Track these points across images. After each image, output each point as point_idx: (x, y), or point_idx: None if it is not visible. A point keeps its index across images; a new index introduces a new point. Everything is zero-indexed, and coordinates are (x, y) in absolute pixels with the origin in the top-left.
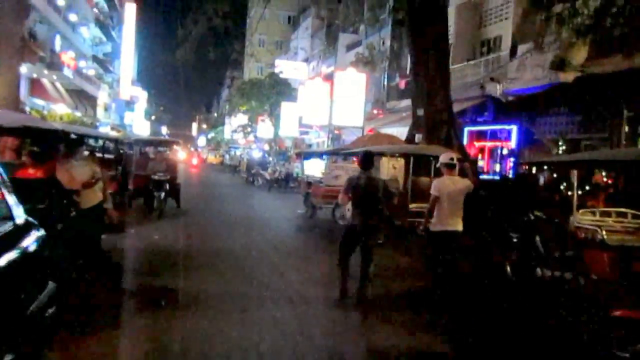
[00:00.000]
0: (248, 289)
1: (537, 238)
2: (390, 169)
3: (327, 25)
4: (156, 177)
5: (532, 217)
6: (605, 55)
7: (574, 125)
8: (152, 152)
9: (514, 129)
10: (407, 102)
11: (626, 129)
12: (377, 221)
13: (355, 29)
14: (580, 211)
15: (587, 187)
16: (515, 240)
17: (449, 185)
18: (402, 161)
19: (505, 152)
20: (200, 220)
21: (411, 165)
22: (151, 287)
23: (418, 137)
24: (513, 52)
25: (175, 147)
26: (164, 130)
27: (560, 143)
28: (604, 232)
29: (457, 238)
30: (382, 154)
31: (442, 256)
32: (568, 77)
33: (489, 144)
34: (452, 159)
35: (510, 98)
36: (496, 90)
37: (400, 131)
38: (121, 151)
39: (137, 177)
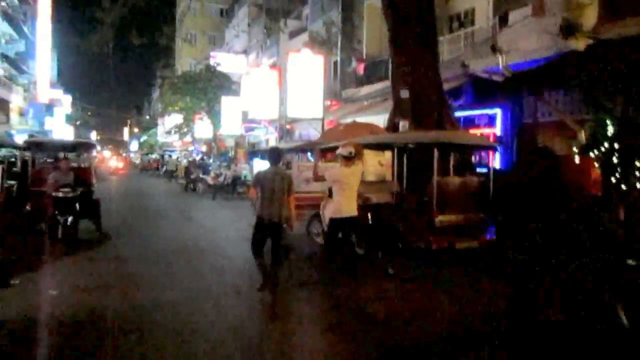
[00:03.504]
0: None
1: None
2: (376, 166)
3: (265, 11)
4: (60, 195)
5: None
6: (618, 18)
7: (576, 103)
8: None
9: (498, 113)
10: (368, 89)
11: None
12: (284, 212)
13: (298, 13)
14: None
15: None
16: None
17: (348, 176)
18: (389, 155)
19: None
20: (126, 252)
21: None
22: None
23: (403, 124)
24: (503, 19)
25: (92, 151)
26: (94, 135)
27: (608, 122)
28: None
29: (354, 223)
30: (373, 146)
31: (340, 240)
32: (579, 44)
33: None
34: (350, 152)
35: (504, 74)
36: (497, 62)
37: (367, 121)
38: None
39: (34, 196)
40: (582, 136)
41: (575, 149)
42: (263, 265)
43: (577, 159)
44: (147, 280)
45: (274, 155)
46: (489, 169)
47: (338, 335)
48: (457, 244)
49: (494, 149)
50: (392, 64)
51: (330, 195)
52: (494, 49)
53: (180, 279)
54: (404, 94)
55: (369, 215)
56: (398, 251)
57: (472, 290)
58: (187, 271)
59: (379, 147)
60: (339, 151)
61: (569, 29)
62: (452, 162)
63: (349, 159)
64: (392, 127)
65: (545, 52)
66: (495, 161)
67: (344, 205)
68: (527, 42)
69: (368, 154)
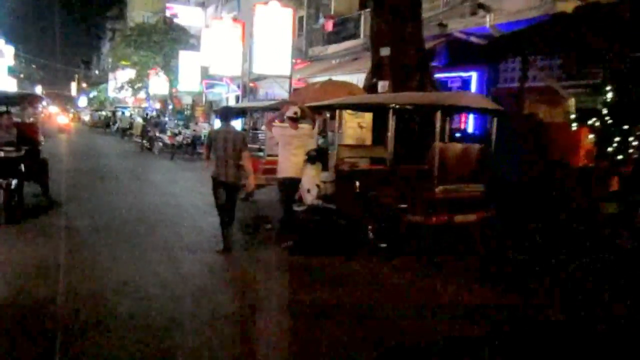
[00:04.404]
0: None
1: None
2: (355, 129)
3: None
4: (2, 154)
5: None
6: None
7: (564, 68)
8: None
9: (473, 76)
10: (336, 48)
11: None
12: (239, 171)
13: None
14: None
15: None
16: None
17: (292, 136)
18: (369, 118)
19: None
20: (78, 222)
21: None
22: None
23: (382, 85)
24: None
25: (39, 105)
26: (39, 90)
27: (609, 88)
28: None
29: (295, 184)
30: (351, 107)
31: (289, 200)
32: (568, 5)
33: None
34: (295, 112)
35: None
36: (479, 22)
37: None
38: None
39: None
40: (572, 103)
41: (571, 117)
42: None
43: (571, 127)
44: (105, 257)
45: (225, 113)
46: (464, 133)
47: (314, 323)
48: (456, 218)
49: (502, 114)
50: (371, 20)
51: (308, 160)
52: (482, 7)
53: (144, 256)
54: (385, 52)
55: (356, 183)
56: (390, 225)
57: (463, 271)
58: (152, 246)
59: (358, 108)
60: (287, 115)
61: None
62: (447, 127)
63: (294, 120)
64: (370, 87)
65: (532, 13)
66: (469, 126)
67: (286, 164)
68: (513, 1)
69: (348, 116)
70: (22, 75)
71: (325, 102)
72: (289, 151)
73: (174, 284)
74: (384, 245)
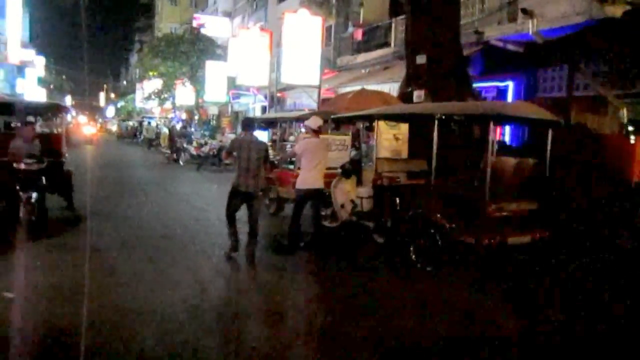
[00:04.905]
0: None
1: None
2: (391, 141)
3: None
4: (23, 167)
5: None
6: None
7: (613, 76)
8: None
9: (510, 85)
10: (365, 57)
11: None
12: (259, 181)
13: None
14: None
15: None
16: None
17: (316, 146)
18: (405, 130)
19: None
20: (103, 238)
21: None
22: None
23: (418, 94)
24: None
25: (65, 116)
26: (68, 100)
27: None
28: None
29: (321, 194)
30: (387, 118)
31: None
32: (616, 10)
33: None
34: (320, 126)
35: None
36: (519, 29)
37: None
38: None
39: None
40: (624, 113)
41: (629, 128)
42: (235, 234)
43: (628, 139)
44: (131, 278)
45: (248, 122)
46: (500, 145)
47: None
48: (509, 239)
49: (558, 125)
50: (407, 27)
51: (342, 174)
52: (525, 12)
53: (173, 275)
54: (421, 59)
55: (397, 200)
56: (436, 245)
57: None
58: (178, 266)
59: (397, 119)
60: (307, 123)
61: None
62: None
63: (317, 132)
64: (405, 96)
65: (578, 18)
66: (505, 137)
67: (311, 176)
68: (556, 7)
69: (382, 127)
70: (52, 86)
71: (365, 112)
72: (314, 162)
73: (202, 310)
74: (429, 268)
